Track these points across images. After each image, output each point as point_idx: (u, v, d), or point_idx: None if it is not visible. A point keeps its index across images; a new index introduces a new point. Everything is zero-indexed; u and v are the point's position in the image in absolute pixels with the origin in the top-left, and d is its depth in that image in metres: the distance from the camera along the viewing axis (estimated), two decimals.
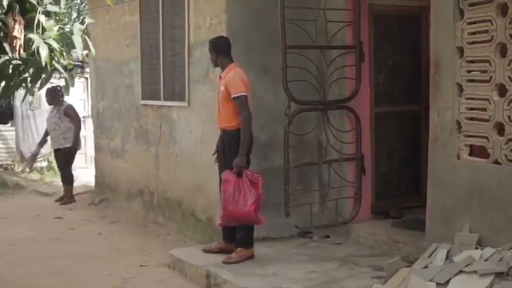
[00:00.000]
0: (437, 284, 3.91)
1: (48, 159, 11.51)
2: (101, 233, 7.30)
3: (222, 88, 5.32)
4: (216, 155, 5.64)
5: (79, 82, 12.25)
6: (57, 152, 9.36)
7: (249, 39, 5.98)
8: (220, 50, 5.44)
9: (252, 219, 5.24)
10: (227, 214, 5.20)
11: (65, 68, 4.58)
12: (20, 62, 4.39)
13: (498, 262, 3.89)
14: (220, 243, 5.60)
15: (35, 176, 11.23)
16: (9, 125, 12.95)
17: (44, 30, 4.33)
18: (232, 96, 5.23)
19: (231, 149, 5.27)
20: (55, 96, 9.21)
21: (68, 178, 9.28)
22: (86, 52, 4.93)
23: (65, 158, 9.26)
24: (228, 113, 5.32)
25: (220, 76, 5.45)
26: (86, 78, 12.35)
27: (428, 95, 4.87)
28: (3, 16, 4.27)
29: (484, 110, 4.36)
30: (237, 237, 5.41)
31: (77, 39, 4.43)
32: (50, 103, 9.40)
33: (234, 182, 5.15)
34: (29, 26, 4.28)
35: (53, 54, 4.40)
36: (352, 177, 6.05)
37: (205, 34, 6.25)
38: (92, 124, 9.95)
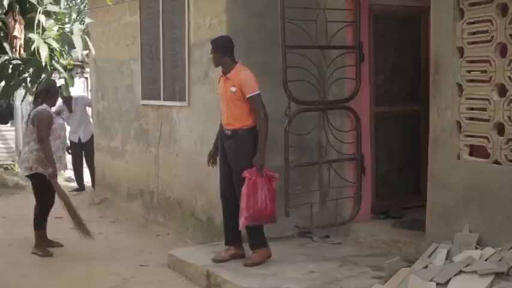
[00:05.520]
0: (437, 284, 3.91)
1: None
2: (101, 233, 7.28)
3: (234, 89, 5.17)
4: (211, 159, 5.51)
5: (79, 82, 12.27)
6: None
7: (249, 39, 5.97)
8: (226, 51, 5.27)
9: (273, 218, 5.18)
10: (255, 213, 5.06)
11: (64, 68, 4.59)
12: (20, 62, 4.40)
13: (498, 262, 3.89)
14: (230, 249, 5.41)
15: None
16: (9, 125, 12.98)
17: (44, 30, 4.34)
18: (248, 96, 5.15)
19: (245, 148, 5.18)
20: None
21: None
22: (86, 52, 4.94)
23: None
24: (241, 113, 5.20)
25: (227, 77, 5.25)
26: (86, 78, 12.38)
27: (428, 95, 4.86)
28: (4, 16, 4.27)
29: (484, 110, 4.36)
30: (251, 240, 5.30)
31: (77, 39, 4.44)
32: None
33: (258, 181, 5.07)
34: (29, 26, 4.29)
35: (53, 54, 4.41)
36: (352, 177, 6.05)
37: (205, 34, 6.25)
38: (92, 124, 9.94)
